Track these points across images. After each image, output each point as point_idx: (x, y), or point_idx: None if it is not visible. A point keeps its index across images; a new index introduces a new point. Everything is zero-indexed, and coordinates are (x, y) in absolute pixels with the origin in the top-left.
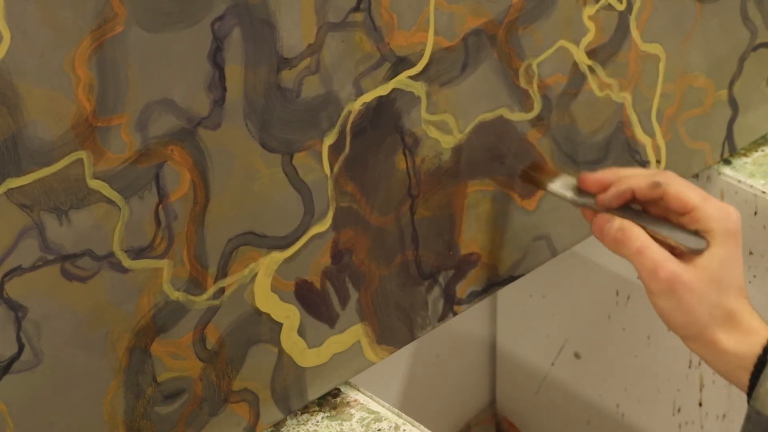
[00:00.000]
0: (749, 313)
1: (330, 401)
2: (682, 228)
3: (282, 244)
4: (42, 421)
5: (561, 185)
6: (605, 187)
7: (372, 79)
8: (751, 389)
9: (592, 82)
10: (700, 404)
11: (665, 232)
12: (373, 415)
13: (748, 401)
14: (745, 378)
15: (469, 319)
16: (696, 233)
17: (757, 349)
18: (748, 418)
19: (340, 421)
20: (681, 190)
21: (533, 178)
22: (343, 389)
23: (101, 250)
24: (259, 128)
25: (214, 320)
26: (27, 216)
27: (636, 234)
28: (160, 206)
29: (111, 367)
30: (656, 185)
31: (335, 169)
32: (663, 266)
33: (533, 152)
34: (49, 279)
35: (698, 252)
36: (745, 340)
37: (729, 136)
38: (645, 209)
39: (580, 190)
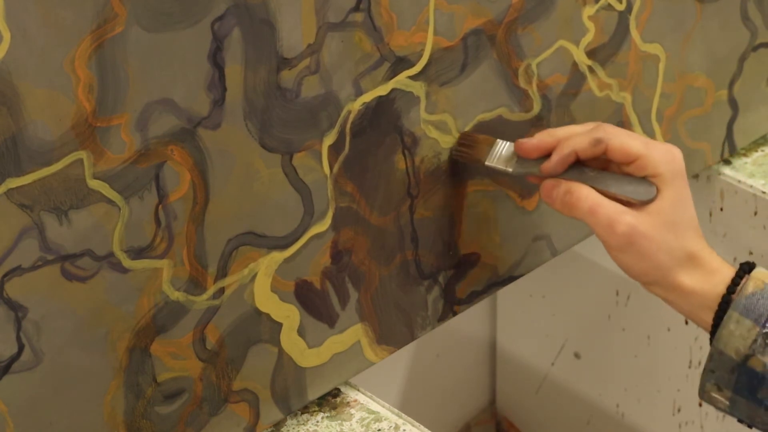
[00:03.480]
0: (709, 253)
1: (330, 401)
2: (630, 177)
3: (282, 244)
4: (42, 421)
5: (499, 158)
6: (545, 152)
7: (371, 79)
8: (714, 329)
9: (591, 82)
10: (700, 404)
11: (614, 189)
12: (373, 415)
13: (711, 341)
14: (709, 318)
15: (469, 319)
16: (644, 180)
17: (721, 289)
18: (711, 357)
19: (340, 421)
20: (623, 140)
21: (466, 155)
22: (343, 389)
23: (101, 250)
24: (258, 128)
25: (214, 320)
26: (27, 216)
27: (585, 194)
28: (160, 206)
29: (111, 367)
30: (598, 141)
31: (335, 169)
32: (618, 220)
33: None
34: (49, 279)
35: (650, 201)
36: (709, 280)
37: (729, 136)
38: (590, 165)
39: (519, 158)
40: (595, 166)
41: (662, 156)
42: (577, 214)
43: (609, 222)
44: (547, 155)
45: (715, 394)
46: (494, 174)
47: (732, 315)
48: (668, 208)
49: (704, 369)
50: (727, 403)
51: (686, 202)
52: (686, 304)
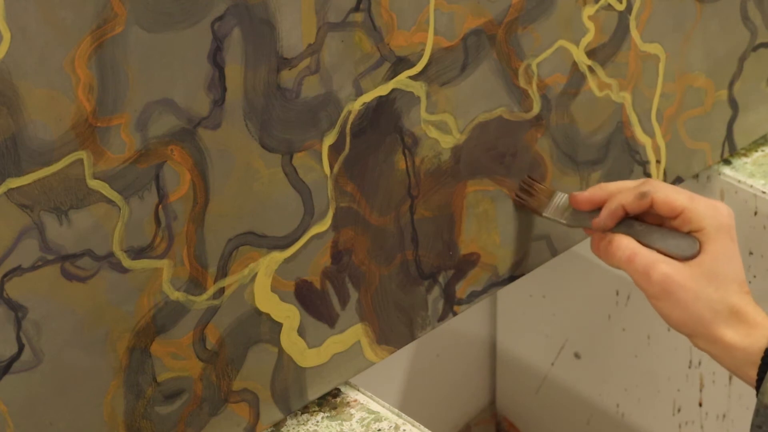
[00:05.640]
0: (753, 307)
1: (330, 401)
2: (675, 233)
3: (282, 244)
4: (42, 421)
5: (555, 209)
6: (596, 205)
7: (372, 79)
8: (759, 383)
9: (591, 82)
10: (700, 404)
11: (658, 243)
12: (373, 415)
13: (757, 395)
14: (753, 372)
15: (469, 319)
16: (689, 236)
17: (763, 343)
18: (757, 412)
19: (340, 421)
20: (668, 194)
21: (526, 203)
22: (343, 389)
23: (101, 250)
24: (258, 128)
25: (214, 320)
26: (27, 216)
27: (625, 243)
28: (160, 206)
29: (111, 367)
30: (643, 195)
31: (335, 169)
32: (654, 268)
33: (532, 153)
34: (49, 279)
35: (692, 257)
36: (751, 334)
37: (729, 136)
38: (639, 218)
39: (573, 210)
40: (650, 221)
41: (706, 210)
42: (616, 262)
43: (645, 270)
44: (599, 208)
45: None
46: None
47: None
48: (709, 261)
49: (752, 424)
50: None
51: (730, 256)
52: (729, 359)
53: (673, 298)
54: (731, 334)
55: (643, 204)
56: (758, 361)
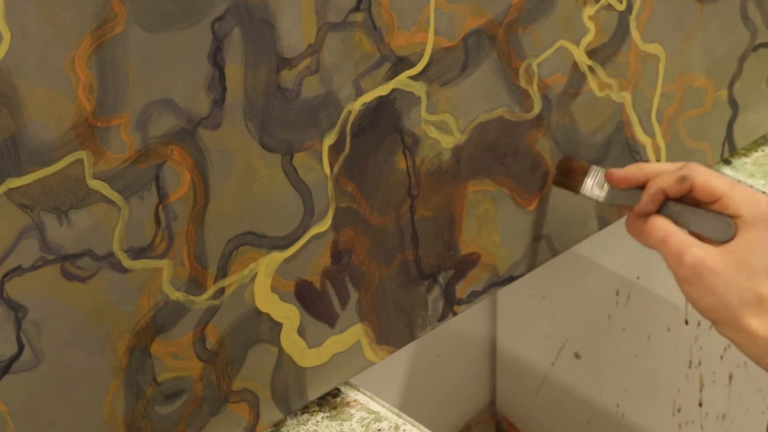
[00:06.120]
0: None
1: (330, 401)
2: (712, 215)
3: (282, 244)
4: (42, 421)
5: (592, 187)
6: (633, 184)
7: (372, 79)
8: None
9: (591, 82)
10: (700, 404)
11: (693, 225)
12: (373, 415)
13: None
14: None
15: (469, 319)
16: (725, 219)
17: None
18: None
19: (340, 421)
20: (708, 179)
21: (563, 183)
22: (343, 389)
23: (101, 250)
24: (258, 128)
25: (214, 320)
26: (27, 216)
27: (660, 224)
28: (160, 206)
29: (111, 367)
30: (683, 179)
31: (335, 169)
32: (687, 251)
33: (533, 153)
34: (49, 279)
35: (727, 241)
36: None
37: (729, 136)
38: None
39: (611, 188)
40: (687, 203)
41: (745, 198)
42: (650, 242)
43: (678, 252)
44: (636, 187)
45: None
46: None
47: None
48: (743, 249)
49: None
50: None
51: (765, 246)
52: (754, 348)
53: (703, 282)
54: (757, 323)
55: (683, 188)
56: None
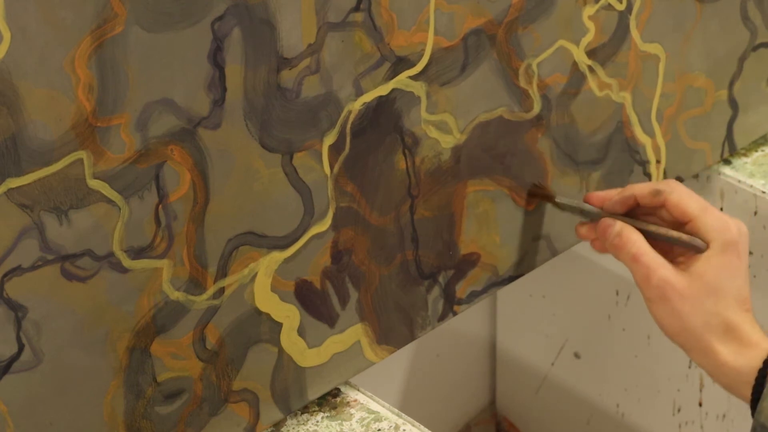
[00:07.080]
0: (751, 326)
1: (330, 401)
2: (687, 236)
3: (282, 244)
4: (42, 421)
5: (568, 198)
6: (606, 201)
7: (372, 79)
8: (753, 403)
9: (591, 82)
10: (700, 404)
11: (669, 233)
12: (373, 415)
13: (752, 414)
14: (747, 391)
15: (469, 319)
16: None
17: (757, 363)
18: (753, 430)
19: (340, 421)
20: (682, 199)
21: (540, 192)
22: (343, 389)
23: (101, 250)
24: (258, 128)
25: (214, 320)
26: (27, 216)
27: (633, 239)
28: (160, 206)
29: (111, 367)
30: (657, 193)
31: (335, 169)
32: (655, 272)
33: (533, 152)
34: (49, 279)
35: (698, 250)
36: (745, 353)
37: (729, 136)
38: (648, 218)
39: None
40: (655, 221)
41: (715, 223)
42: (622, 257)
43: (647, 271)
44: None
45: None
46: (564, 209)
47: None
48: (711, 274)
49: None
50: None
51: (734, 272)
52: (722, 376)
53: (669, 304)
54: (725, 351)
55: (656, 201)
56: (752, 381)
